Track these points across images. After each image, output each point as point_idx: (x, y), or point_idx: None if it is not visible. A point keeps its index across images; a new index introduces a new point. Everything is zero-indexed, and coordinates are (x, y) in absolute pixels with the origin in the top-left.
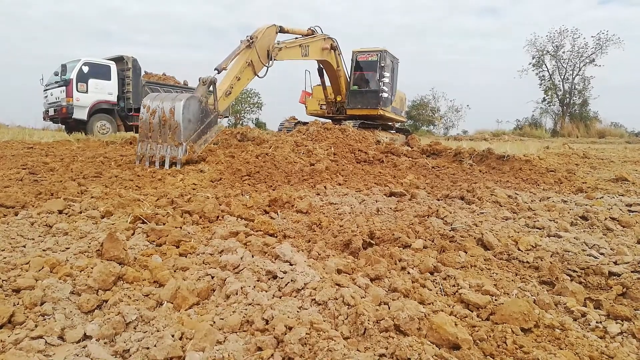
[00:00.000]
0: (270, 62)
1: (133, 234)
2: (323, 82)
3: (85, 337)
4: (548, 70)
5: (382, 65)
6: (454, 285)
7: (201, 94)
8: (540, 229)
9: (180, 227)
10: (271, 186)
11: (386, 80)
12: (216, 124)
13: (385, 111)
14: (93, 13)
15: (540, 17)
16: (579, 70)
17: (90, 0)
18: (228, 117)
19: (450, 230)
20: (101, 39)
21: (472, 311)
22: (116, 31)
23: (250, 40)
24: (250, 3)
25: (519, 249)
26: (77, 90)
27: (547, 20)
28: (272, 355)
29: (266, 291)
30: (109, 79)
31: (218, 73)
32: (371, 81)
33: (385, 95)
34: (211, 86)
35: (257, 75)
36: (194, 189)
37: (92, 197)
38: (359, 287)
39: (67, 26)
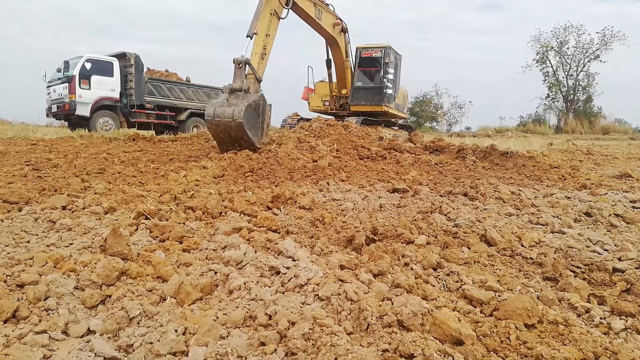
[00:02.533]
0: (290, 2)
1: (136, 230)
2: (330, 75)
3: (89, 332)
4: (552, 67)
5: (386, 61)
6: (457, 281)
7: (241, 81)
8: (543, 225)
9: (184, 223)
10: (274, 182)
11: (390, 76)
12: (266, 104)
13: (389, 107)
14: (93, 8)
15: (542, 12)
16: (584, 66)
17: None
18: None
19: (453, 227)
20: (102, 34)
21: (475, 307)
22: (117, 26)
23: None
24: None
25: (522, 245)
26: (79, 86)
27: (549, 15)
28: (276, 350)
29: (269, 287)
30: (111, 75)
31: (251, 39)
32: (375, 77)
33: (389, 91)
34: (247, 66)
35: (281, 18)
36: (197, 185)
37: (95, 193)
38: (362, 282)
39: (67, 21)
